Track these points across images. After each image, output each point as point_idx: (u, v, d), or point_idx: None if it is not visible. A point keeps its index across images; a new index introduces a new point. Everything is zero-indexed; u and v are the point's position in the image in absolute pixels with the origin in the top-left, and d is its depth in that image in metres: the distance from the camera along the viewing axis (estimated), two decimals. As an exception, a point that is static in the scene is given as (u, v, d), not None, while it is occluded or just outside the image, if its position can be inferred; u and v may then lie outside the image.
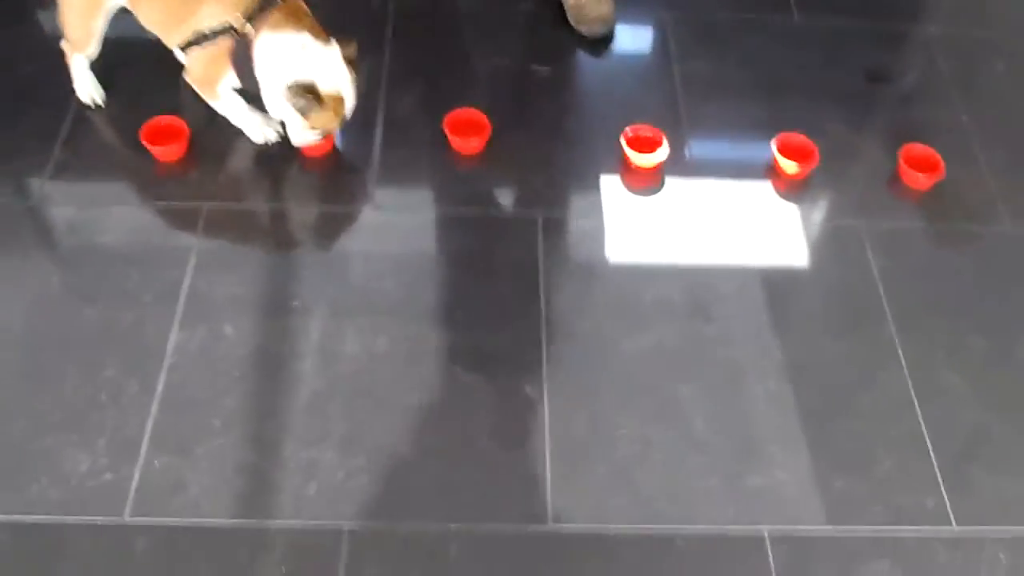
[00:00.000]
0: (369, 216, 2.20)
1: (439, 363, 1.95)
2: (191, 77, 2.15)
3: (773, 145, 2.32)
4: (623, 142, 2.29)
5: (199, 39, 2.04)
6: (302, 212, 2.20)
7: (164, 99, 2.33)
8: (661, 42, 2.63)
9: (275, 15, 2.00)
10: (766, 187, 2.31)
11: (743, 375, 1.98)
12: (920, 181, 2.31)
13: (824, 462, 1.86)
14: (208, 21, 2.02)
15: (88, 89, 2.32)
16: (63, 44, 2.26)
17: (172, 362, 1.91)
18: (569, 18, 2.61)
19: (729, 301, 2.09)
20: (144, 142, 2.22)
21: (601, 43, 2.60)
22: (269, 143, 2.27)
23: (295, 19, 2.02)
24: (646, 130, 2.31)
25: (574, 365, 1.97)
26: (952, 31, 2.76)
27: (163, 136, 2.23)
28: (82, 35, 2.20)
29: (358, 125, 2.26)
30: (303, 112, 2.02)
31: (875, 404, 1.95)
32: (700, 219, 2.24)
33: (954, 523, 1.80)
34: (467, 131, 2.31)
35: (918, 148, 2.34)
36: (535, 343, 1.98)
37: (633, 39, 2.68)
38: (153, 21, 2.12)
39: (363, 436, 1.83)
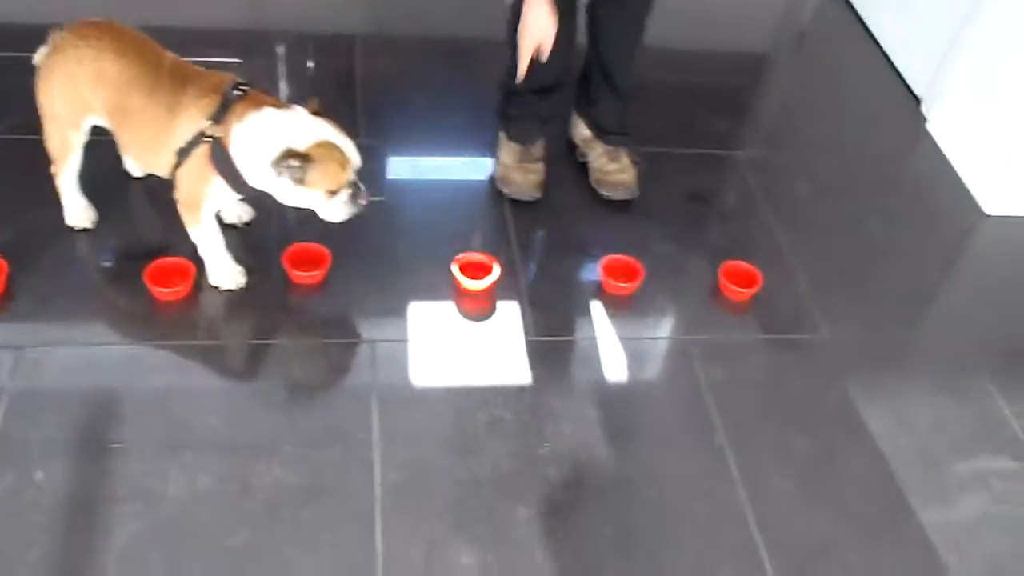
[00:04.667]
0: (200, 350, 2.03)
1: (266, 500, 1.77)
2: (180, 199, 2.02)
3: (599, 266, 2.27)
4: (454, 268, 2.20)
5: (180, 157, 1.93)
6: (124, 349, 2.01)
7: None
8: (491, 172, 2.58)
9: (238, 109, 1.90)
10: (596, 306, 2.25)
11: (579, 493, 1.86)
12: (740, 294, 2.29)
13: (662, 578, 1.75)
14: (182, 135, 1.92)
15: (78, 213, 2.20)
16: (52, 169, 2.14)
17: (-26, 515, 1.68)
18: (592, 181, 2.54)
19: (563, 419, 1.98)
20: (-43, 283, 2.02)
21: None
22: (239, 287, 2.13)
23: (257, 103, 1.92)
24: (477, 256, 2.24)
25: (408, 493, 1.82)
26: (761, 154, 2.81)
27: (-23, 277, 2.04)
28: (60, 150, 2.10)
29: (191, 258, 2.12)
30: (301, 180, 1.88)
31: (709, 515, 1.86)
32: (531, 340, 2.15)
33: (791, 632, 1.71)
34: (308, 264, 2.18)
35: (737, 264, 2.33)
36: (367, 472, 1.83)
37: (463, 169, 2.63)
38: (134, 149, 2.04)
39: (183, 583, 1.63)
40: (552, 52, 2.25)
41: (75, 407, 1.88)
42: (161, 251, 2.14)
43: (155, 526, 1.70)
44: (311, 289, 2.19)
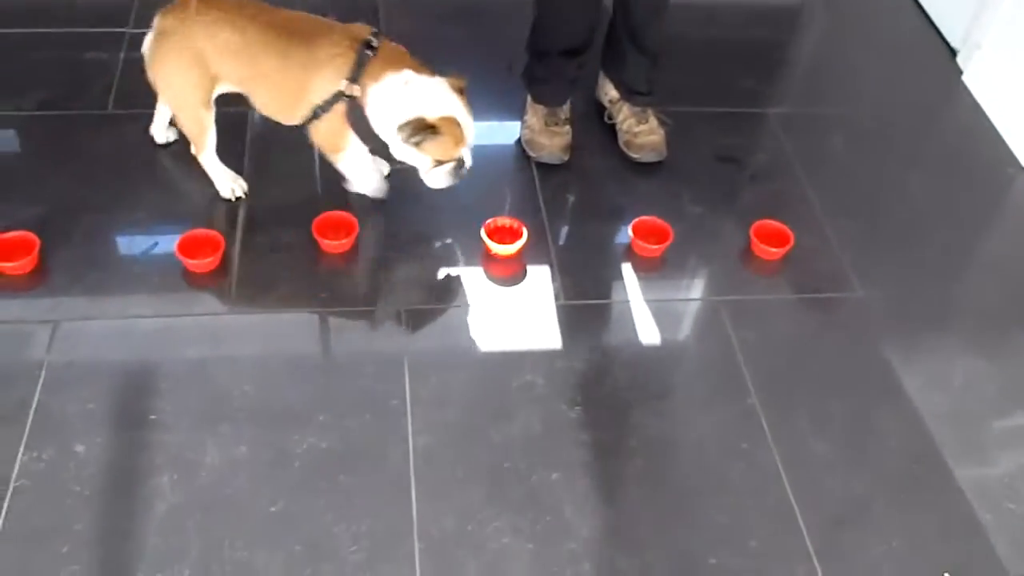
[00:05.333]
0: (232, 321, 2.05)
1: (302, 468, 1.79)
2: (317, 143, 2.15)
3: (629, 229, 2.25)
4: (483, 233, 2.20)
5: (316, 112, 2.01)
6: (158, 321, 2.03)
7: (17, 213, 2.17)
8: (518, 136, 2.56)
9: (374, 66, 1.98)
10: (627, 268, 2.24)
11: (611, 456, 1.87)
12: (772, 254, 2.27)
13: (696, 540, 1.75)
14: (321, 93, 1.99)
15: (228, 184, 2.24)
16: (193, 151, 2.20)
17: (17, 486, 1.71)
18: (621, 143, 2.52)
19: (593, 383, 1.98)
20: (-10, 259, 2.04)
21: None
22: (382, 197, 2.27)
23: (394, 62, 1.99)
24: (506, 220, 2.23)
25: (442, 458, 1.83)
26: (792, 111, 2.77)
27: (11, 251, 2.06)
28: (198, 129, 2.15)
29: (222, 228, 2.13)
30: (418, 144, 1.99)
31: (743, 476, 1.86)
32: (562, 304, 2.14)
33: (827, 592, 1.71)
34: (336, 232, 2.18)
35: (768, 223, 2.30)
36: (401, 438, 1.85)
37: (490, 133, 2.61)
38: (270, 107, 2.13)
39: (222, 551, 1.66)
40: (578, 12, 2.22)
41: (112, 379, 1.91)
42: (189, 222, 2.16)
43: (194, 496, 1.73)
44: (341, 257, 2.19)
